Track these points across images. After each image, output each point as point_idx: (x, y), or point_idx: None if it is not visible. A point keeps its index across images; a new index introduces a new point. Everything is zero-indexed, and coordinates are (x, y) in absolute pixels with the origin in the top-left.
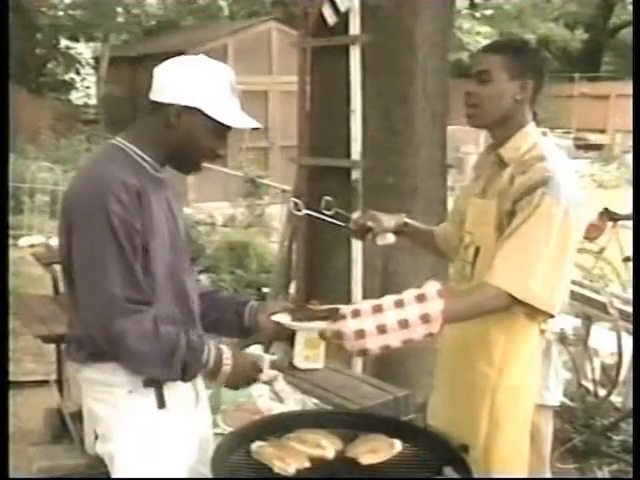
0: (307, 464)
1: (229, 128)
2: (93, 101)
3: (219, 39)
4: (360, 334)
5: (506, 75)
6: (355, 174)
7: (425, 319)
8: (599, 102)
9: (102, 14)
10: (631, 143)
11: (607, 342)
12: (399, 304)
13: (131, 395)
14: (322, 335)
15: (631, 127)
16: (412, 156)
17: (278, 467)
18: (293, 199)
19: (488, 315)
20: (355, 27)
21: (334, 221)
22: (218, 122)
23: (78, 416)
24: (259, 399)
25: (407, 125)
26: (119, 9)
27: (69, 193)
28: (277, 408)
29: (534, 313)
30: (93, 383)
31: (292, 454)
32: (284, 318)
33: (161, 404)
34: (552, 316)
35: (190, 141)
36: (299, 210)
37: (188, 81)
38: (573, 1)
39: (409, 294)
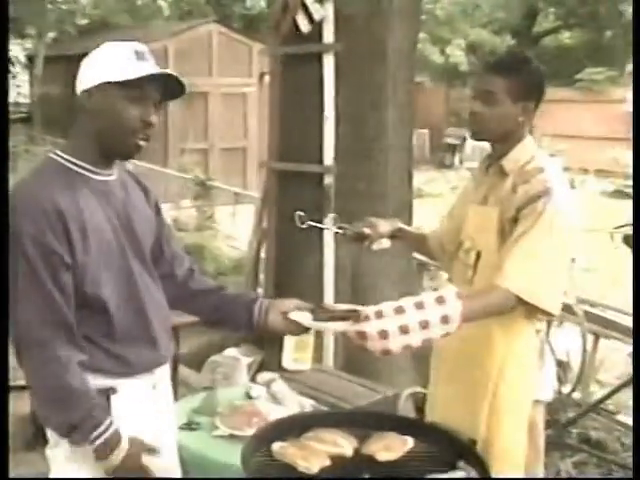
0: (328, 462)
1: (144, 91)
2: (24, 100)
3: (159, 40)
4: (383, 334)
5: (510, 99)
6: (327, 179)
7: (445, 320)
8: None
9: (33, 11)
10: (558, 147)
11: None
12: (420, 306)
13: None
14: (344, 335)
15: (559, 131)
16: (382, 162)
17: (302, 466)
18: (298, 213)
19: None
20: (329, 35)
21: (336, 230)
22: (126, 84)
23: None
24: (257, 401)
25: (378, 132)
26: (50, 6)
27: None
28: (275, 410)
29: (533, 313)
30: None
31: (313, 453)
32: (304, 317)
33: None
34: (553, 316)
35: (111, 117)
36: (303, 223)
37: (91, 64)
38: (500, 9)
39: (428, 296)
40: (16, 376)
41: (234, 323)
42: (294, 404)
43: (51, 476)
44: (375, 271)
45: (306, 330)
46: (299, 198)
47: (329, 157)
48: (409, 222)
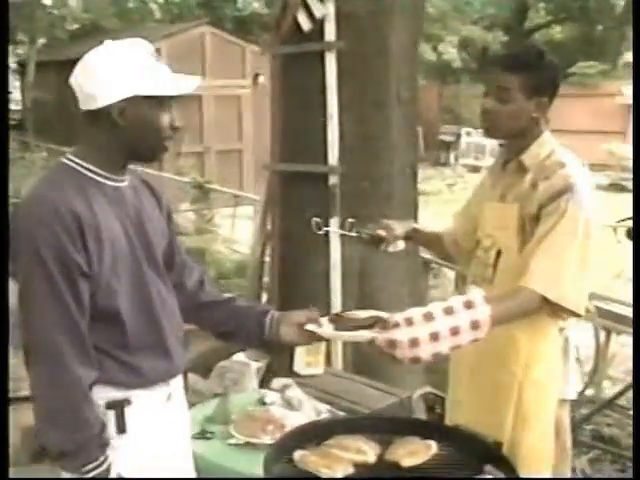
0: (351, 469)
1: (171, 98)
2: (16, 106)
3: (152, 43)
4: (414, 342)
5: (524, 95)
6: (332, 179)
7: (475, 325)
8: None
9: (24, 16)
10: None
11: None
12: (449, 311)
13: None
14: (371, 344)
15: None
16: (387, 161)
17: (325, 474)
18: (315, 219)
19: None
20: (330, 33)
21: (352, 234)
22: (159, 96)
23: None
24: (271, 407)
25: (383, 131)
26: (40, 11)
27: (14, 218)
28: (291, 416)
29: (558, 312)
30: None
31: (336, 461)
32: (325, 328)
33: (121, 429)
34: (579, 315)
35: (145, 129)
36: (319, 229)
37: (112, 74)
38: (491, 4)
39: (456, 301)
40: (21, 387)
41: (245, 336)
42: (310, 410)
43: None
44: (382, 272)
45: (318, 340)
46: (304, 199)
47: (334, 157)
48: (415, 221)
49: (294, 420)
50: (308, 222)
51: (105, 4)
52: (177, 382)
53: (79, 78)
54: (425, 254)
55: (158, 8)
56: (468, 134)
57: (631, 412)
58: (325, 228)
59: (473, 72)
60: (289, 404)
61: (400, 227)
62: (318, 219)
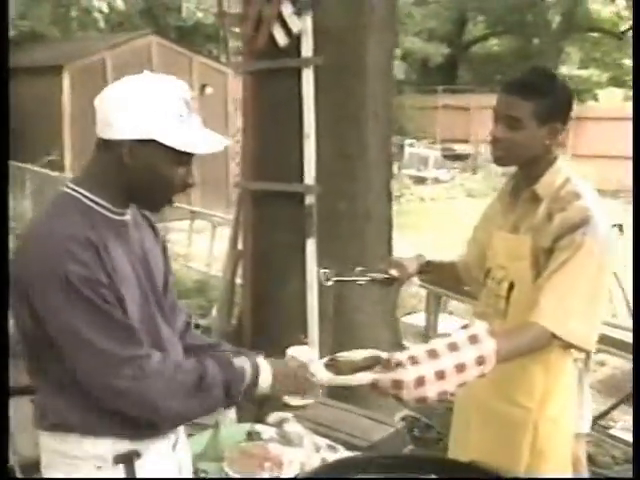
0: None
1: (191, 154)
2: None
3: (97, 53)
4: (420, 381)
5: (536, 122)
6: (309, 199)
7: (480, 361)
8: (460, 113)
9: None
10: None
11: None
12: (453, 347)
13: (99, 471)
14: (374, 386)
15: None
16: (364, 179)
17: None
18: (322, 270)
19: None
20: (307, 49)
21: (365, 280)
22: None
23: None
24: (266, 442)
25: (360, 148)
26: None
27: (20, 258)
28: (288, 451)
29: (571, 346)
30: (56, 454)
31: None
32: (321, 375)
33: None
34: (589, 351)
35: (151, 177)
36: (328, 280)
37: (135, 110)
38: (432, 17)
39: (460, 336)
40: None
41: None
42: (309, 445)
43: None
44: (358, 291)
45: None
46: (278, 219)
47: (310, 176)
48: (389, 239)
49: (293, 456)
50: (282, 242)
51: (44, 12)
52: (180, 428)
53: (104, 101)
54: None
55: (102, 17)
56: (411, 145)
57: (610, 431)
58: (334, 278)
59: (415, 84)
60: (286, 439)
61: (412, 263)
62: (326, 270)
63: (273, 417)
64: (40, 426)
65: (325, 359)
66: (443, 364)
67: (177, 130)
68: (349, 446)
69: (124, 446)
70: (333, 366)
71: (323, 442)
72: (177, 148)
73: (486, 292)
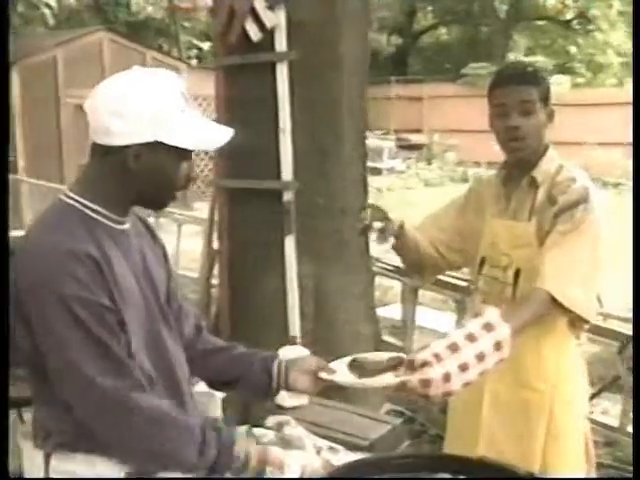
0: None
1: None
2: None
3: (47, 50)
4: (446, 377)
5: (541, 105)
6: (287, 196)
7: (498, 347)
8: (413, 103)
9: None
10: (450, 142)
11: None
12: (471, 338)
13: None
14: (401, 387)
15: (448, 126)
16: (340, 175)
17: None
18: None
19: (537, 329)
20: (282, 44)
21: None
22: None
23: None
24: (269, 446)
25: (336, 144)
26: None
27: (17, 272)
28: (289, 454)
29: (574, 322)
30: (64, 474)
31: None
32: (344, 376)
33: None
34: (588, 323)
35: (158, 177)
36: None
37: (135, 113)
38: (382, 8)
39: (475, 326)
40: None
41: (250, 384)
42: (310, 447)
43: None
44: (339, 288)
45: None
46: (254, 217)
47: (287, 172)
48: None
49: (294, 459)
50: (259, 240)
51: None
52: None
53: (98, 106)
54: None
55: (50, 13)
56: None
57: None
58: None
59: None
60: (286, 442)
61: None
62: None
63: (272, 420)
64: (44, 447)
65: (345, 360)
66: (465, 356)
67: (182, 128)
68: (349, 446)
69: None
70: (357, 367)
71: (324, 444)
72: (186, 147)
73: (486, 281)
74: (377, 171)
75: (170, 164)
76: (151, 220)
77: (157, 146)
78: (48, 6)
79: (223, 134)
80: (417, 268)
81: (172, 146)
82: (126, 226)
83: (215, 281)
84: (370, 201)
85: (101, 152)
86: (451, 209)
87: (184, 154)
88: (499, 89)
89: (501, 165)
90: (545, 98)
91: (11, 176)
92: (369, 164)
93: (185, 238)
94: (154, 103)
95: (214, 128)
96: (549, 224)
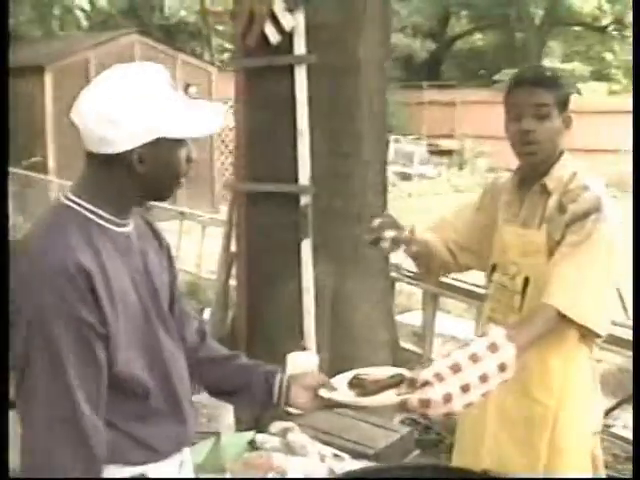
0: None
1: None
2: None
3: (80, 52)
4: (447, 398)
5: (557, 111)
6: (304, 200)
7: (502, 368)
8: (446, 109)
9: None
10: (481, 149)
11: None
12: (475, 359)
13: None
14: (402, 406)
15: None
16: (359, 178)
17: None
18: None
19: (544, 339)
20: (300, 46)
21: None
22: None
23: None
24: (269, 452)
25: (355, 147)
26: None
27: (15, 274)
28: (292, 461)
29: (585, 335)
30: None
31: None
32: (343, 394)
33: None
34: (600, 336)
35: (164, 171)
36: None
37: (133, 115)
38: (416, 13)
39: (479, 346)
40: None
41: (250, 396)
42: (314, 454)
43: None
44: (357, 292)
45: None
46: (272, 220)
47: (305, 176)
48: None
49: (297, 466)
50: (276, 243)
51: (25, 10)
52: (186, 448)
53: (86, 114)
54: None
55: (84, 16)
56: (397, 141)
57: (611, 429)
58: None
59: (400, 80)
60: (289, 449)
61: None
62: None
63: (276, 426)
64: None
65: (347, 376)
66: (467, 377)
67: (178, 118)
68: (355, 454)
69: (130, 470)
70: (357, 385)
71: (328, 451)
72: (186, 137)
73: (497, 289)
74: (407, 176)
75: (173, 154)
76: (175, 223)
77: (158, 142)
78: (82, 9)
79: (216, 111)
80: (427, 268)
81: (171, 138)
82: (128, 228)
83: (233, 282)
84: (399, 205)
85: (100, 159)
86: (466, 211)
87: (183, 140)
88: (514, 91)
89: (515, 170)
90: (562, 103)
91: (42, 177)
92: (399, 169)
93: (209, 240)
94: (146, 102)
95: (208, 108)
96: (560, 234)
